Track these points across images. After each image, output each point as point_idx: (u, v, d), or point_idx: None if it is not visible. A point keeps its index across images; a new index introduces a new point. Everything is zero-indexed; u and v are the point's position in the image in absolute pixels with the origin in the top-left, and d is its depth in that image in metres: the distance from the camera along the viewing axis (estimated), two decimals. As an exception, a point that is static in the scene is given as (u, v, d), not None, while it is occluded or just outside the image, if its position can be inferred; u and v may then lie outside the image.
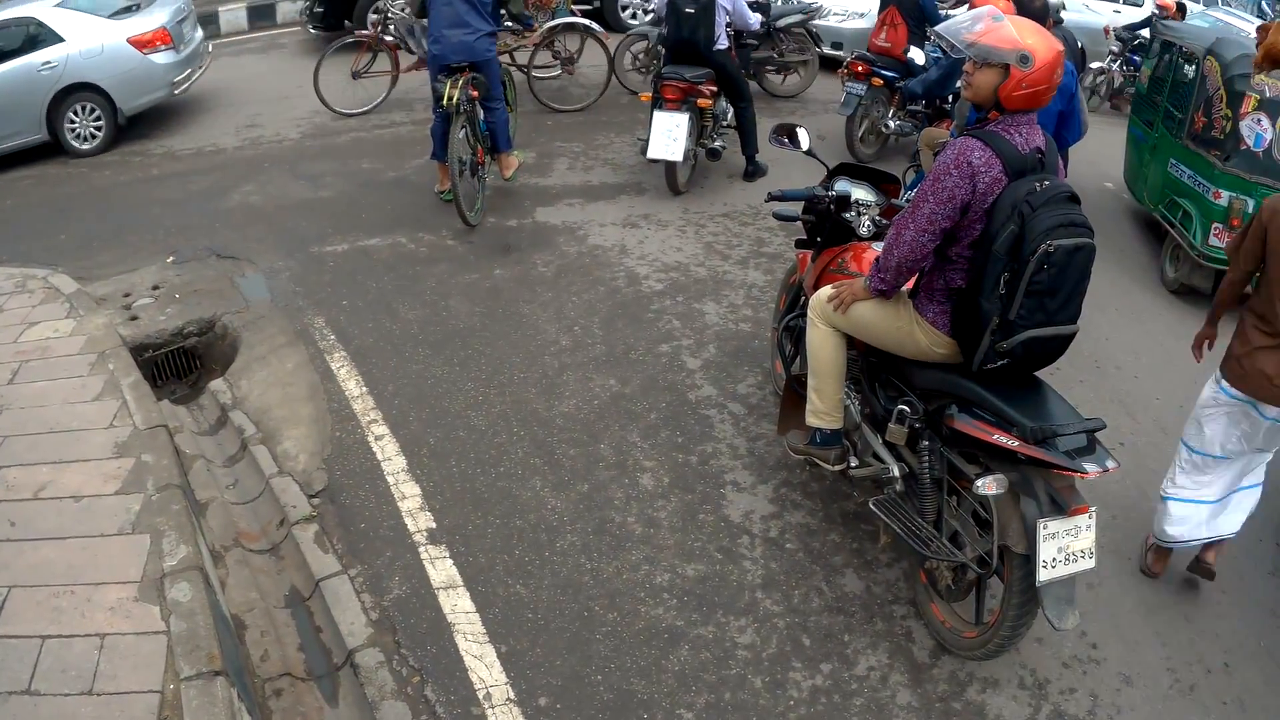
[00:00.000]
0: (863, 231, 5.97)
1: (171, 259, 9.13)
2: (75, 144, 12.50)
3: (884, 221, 5.94)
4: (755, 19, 11.33)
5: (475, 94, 9.44)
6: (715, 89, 10.50)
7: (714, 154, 10.85)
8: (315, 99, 12.90)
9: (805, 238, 6.34)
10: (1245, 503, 6.09)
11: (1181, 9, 18.91)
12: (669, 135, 10.09)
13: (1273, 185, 9.65)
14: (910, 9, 11.75)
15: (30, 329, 7.48)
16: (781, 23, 13.70)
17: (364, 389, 6.88)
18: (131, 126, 12.98)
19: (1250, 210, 9.52)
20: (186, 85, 13.45)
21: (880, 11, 12.30)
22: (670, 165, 10.35)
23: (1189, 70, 11.08)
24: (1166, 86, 11.52)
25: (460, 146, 9.32)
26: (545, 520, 5.76)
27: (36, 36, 12.37)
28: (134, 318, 8.01)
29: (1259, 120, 9.83)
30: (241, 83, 14.87)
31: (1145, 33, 16.90)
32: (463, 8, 9.32)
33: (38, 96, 12.23)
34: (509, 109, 10.50)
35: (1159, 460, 7.39)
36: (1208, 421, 5.86)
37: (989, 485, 4.66)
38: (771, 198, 6.20)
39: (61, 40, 12.42)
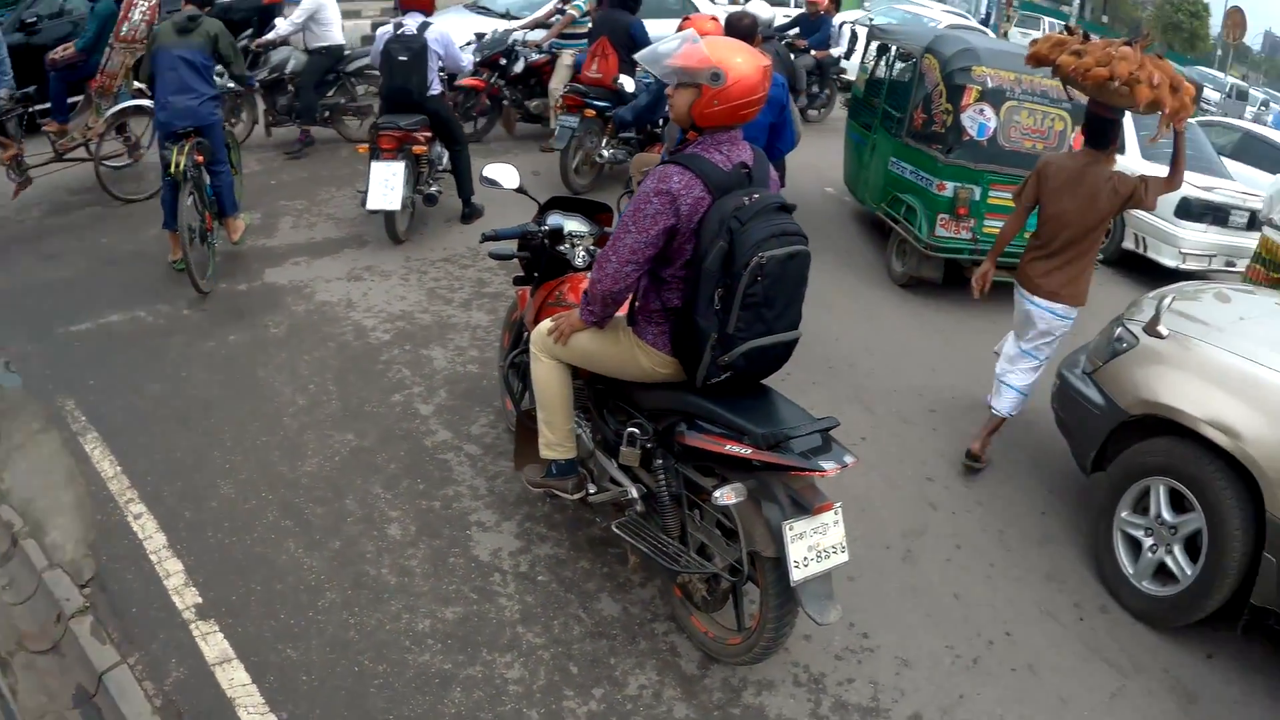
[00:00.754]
0: (578, 263, 6.32)
1: None
2: None
3: (598, 250, 6.29)
4: (467, 60, 11.74)
5: (201, 159, 9.66)
6: (430, 135, 10.90)
7: (431, 200, 11.31)
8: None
9: (523, 274, 6.65)
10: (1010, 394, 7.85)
11: (836, 2, 19.88)
12: (386, 185, 10.46)
13: (998, 171, 10.48)
14: (621, 38, 12.29)
15: None
16: (351, 66, 14.19)
17: (118, 469, 7.04)
18: None
19: (976, 198, 10.42)
20: None
21: (590, 43, 12.82)
22: (389, 215, 10.73)
23: (907, 69, 11.80)
24: (884, 88, 12.26)
25: (189, 214, 9.53)
26: (304, 581, 6.00)
27: None
28: None
29: (981, 110, 10.64)
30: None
31: (795, 32, 17.41)
32: (187, 73, 9.56)
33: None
34: (234, 171, 10.74)
35: (902, 450, 8.15)
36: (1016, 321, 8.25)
37: (727, 495, 4.84)
38: (486, 238, 6.43)
39: None
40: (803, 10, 18.79)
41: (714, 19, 10.00)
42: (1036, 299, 7.86)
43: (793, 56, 13.09)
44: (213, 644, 5.52)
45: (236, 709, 5.11)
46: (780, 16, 19.27)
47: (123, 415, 7.77)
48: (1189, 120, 8.28)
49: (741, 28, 8.92)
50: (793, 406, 5.17)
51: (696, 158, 4.80)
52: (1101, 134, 7.53)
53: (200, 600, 5.82)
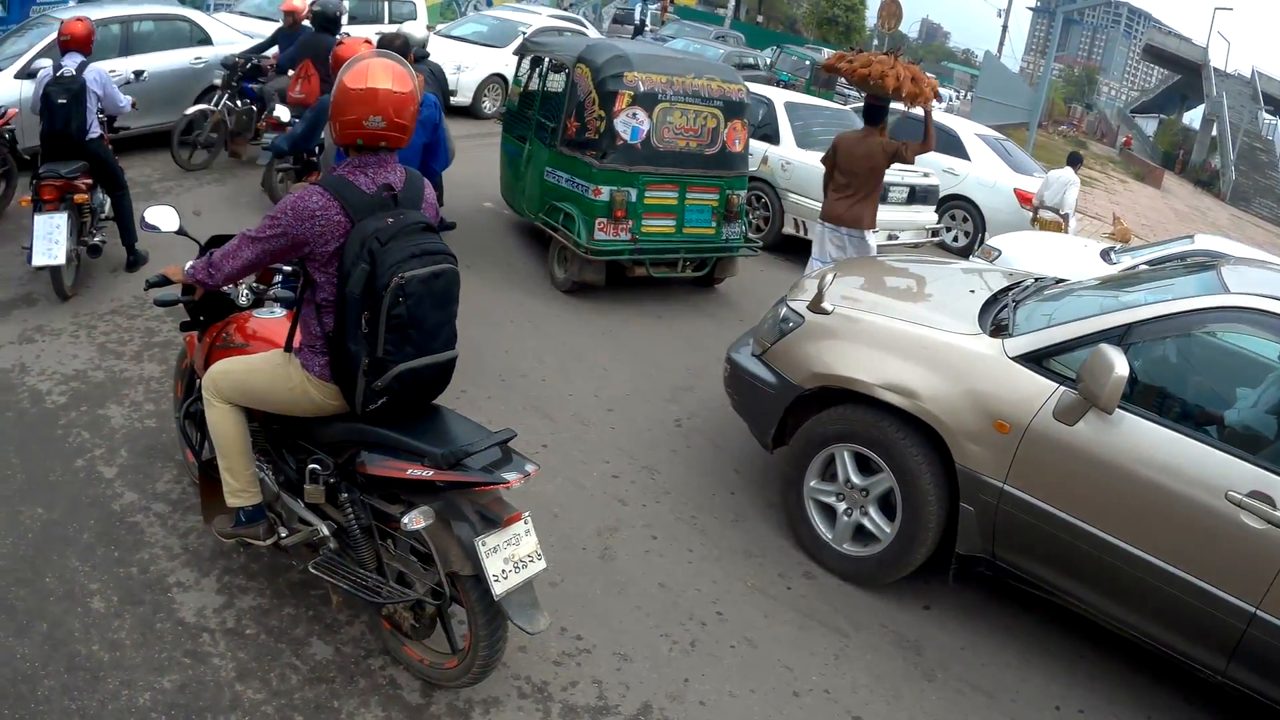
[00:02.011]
0: (242, 301, 6.31)
1: None
2: None
3: (261, 287, 6.33)
4: (126, 101, 11.42)
5: None
6: (90, 181, 10.61)
7: (95, 250, 10.96)
8: None
9: (189, 319, 6.53)
10: None
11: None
12: (50, 238, 10.09)
13: (653, 172, 10.88)
14: (323, 60, 12.28)
15: None
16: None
17: None
18: None
19: (633, 199, 11.00)
20: None
21: (294, 66, 13.17)
22: (55, 270, 10.35)
23: (559, 80, 12.04)
24: (537, 99, 12.52)
25: None
26: (20, 671, 5.76)
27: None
28: None
29: (634, 114, 11.02)
30: None
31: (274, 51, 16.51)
32: None
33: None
34: None
35: (586, 451, 8.42)
36: (816, 241, 11.78)
37: (415, 520, 4.90)
38: (150, 285, 6.16)
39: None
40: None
41: (367, 41, 10.05)
42: (840, 227, 11.47)
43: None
44: (-66, 754, 5.25)
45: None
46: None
47: None
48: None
49: (394, 48, 9.10)
50: (468, 423, 5.31)
51: (340, 180, 4.92)
52: (873, 115, 11.36)
53: (-95, 703, 5.54)
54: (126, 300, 10.59)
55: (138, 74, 14.30)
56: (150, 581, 6.56)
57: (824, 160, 11.77)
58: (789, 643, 6.62)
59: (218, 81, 15.46)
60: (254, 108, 15.45)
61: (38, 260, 10.18)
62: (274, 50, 15.37)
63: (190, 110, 15.06)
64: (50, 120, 10.56)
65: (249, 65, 15.30)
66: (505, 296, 11.50)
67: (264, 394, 5.48)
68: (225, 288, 6.10)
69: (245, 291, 6.37)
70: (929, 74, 11.06)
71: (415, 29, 12.69)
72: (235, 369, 5.60)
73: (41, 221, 10.19)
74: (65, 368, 9.26)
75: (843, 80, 14.39)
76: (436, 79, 11.83)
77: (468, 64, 23.94)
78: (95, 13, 15.74)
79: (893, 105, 11.50)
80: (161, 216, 6.55)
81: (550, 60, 12.79)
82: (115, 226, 11.41)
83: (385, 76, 4.85)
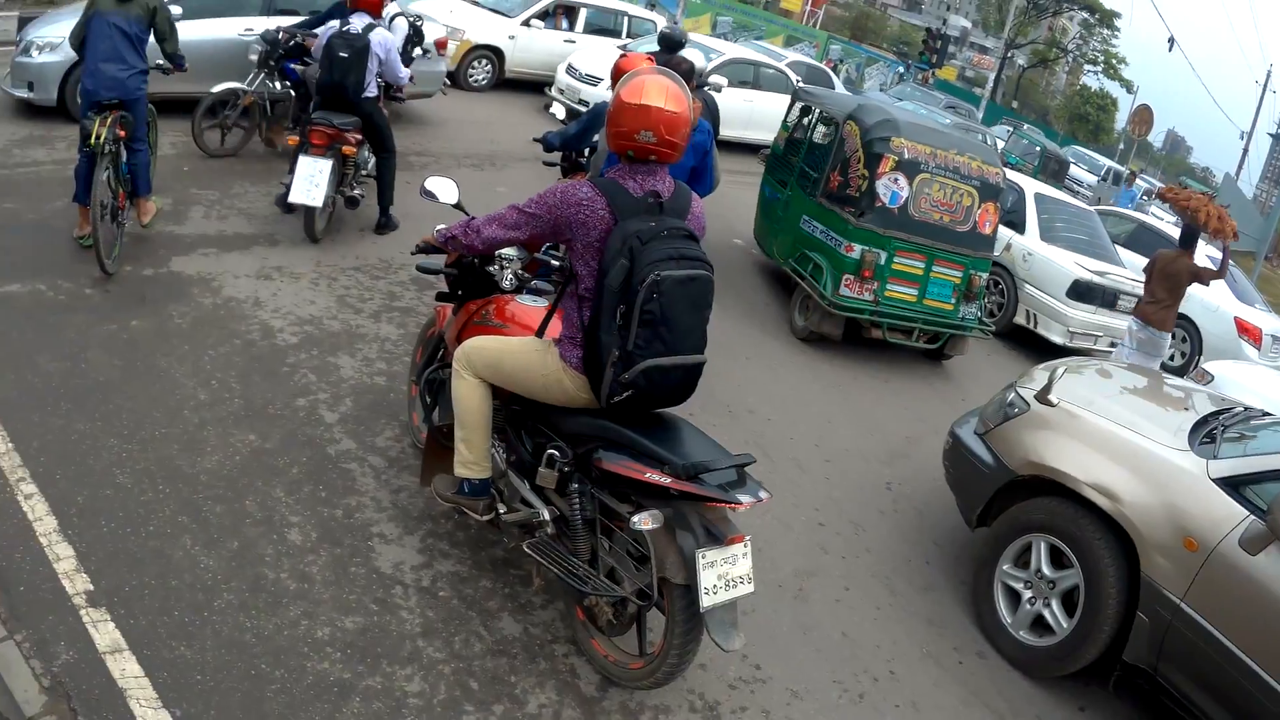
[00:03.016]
0: (505, 284, 6.36)
1: None
2: None
3: (526, 275, 6.38)
4: (405, 73, 11.59)
5: (123, 133, 9.43)
6: (360, 137, 10.79)
7: (353, 202, 11.24)
8: None
9: (447, 291, 6.60)
10: None
11: None
12: (311, 180, 10.35)
13: (905, 239, 10.82)
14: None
15: None
16: None
17: (9, 445, 6.79)
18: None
19: (882, 262, 10.79)
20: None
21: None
22: (309, 211, 10.55)
23: (827, 133, 12.05)
24: (803, 148, 12.52)
25: (103, 189, 9.26)
26: (200, 580, 5.83)
27: None
28: None
29: (896, 179, 11.02)
30: None
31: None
32: (121, 42, 9.35)
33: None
34: (151, 151, 10.45)
35: (798, 495, 8.42)
36: (1128, 332, 13.46)
37: (645, 521, 4.95)
38: (417, 249, 6.29)
39: None
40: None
41: (649, 56, 10.02)
42: (1148, 326, 12.98)
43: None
44: (104, 632, 5.33)
45: (128, 700, 4.94)
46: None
47: (16, 390, 7.49)
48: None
49: (680, 72, 9.02)
50: (708, 440, 5.34)
51: (610, 181, 5.17)
52: (1187, 240, 13.04)
53: (91, 588, 5.62)
54: (371, 260, 10.71)
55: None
56: (353, 527, 6.61)
57: (1145, 269, 13.45)
58: (949, 714, 6.56)
59: (254, 57, 13.53)
60: (293, 91, 13.53)
61: (295, 196, 10.42)
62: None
63: (218, 88, 13.10)
64: (329, 71, 10.78)
65: (292, 42, 13.22)
66: (744, 332, 11.46)
67: (516, 376, 5.63)
68: (491, 268, 6.33)
69: (510, 276, 6.40)
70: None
71: (697, 57, 12.66)
72: (491, 346, 5.75)
73: (306, 163, 10.42)
74: (301, 310, 9.40)
75: (1071, 173, 15.26)
76: (710, 109, 11.80)
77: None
78: None
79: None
80: (442, 187, 6.67)
81: (820, 112, 12.78)
82: (375, 187, 11.57)
83: (660, 95, 5.07)
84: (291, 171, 10.56)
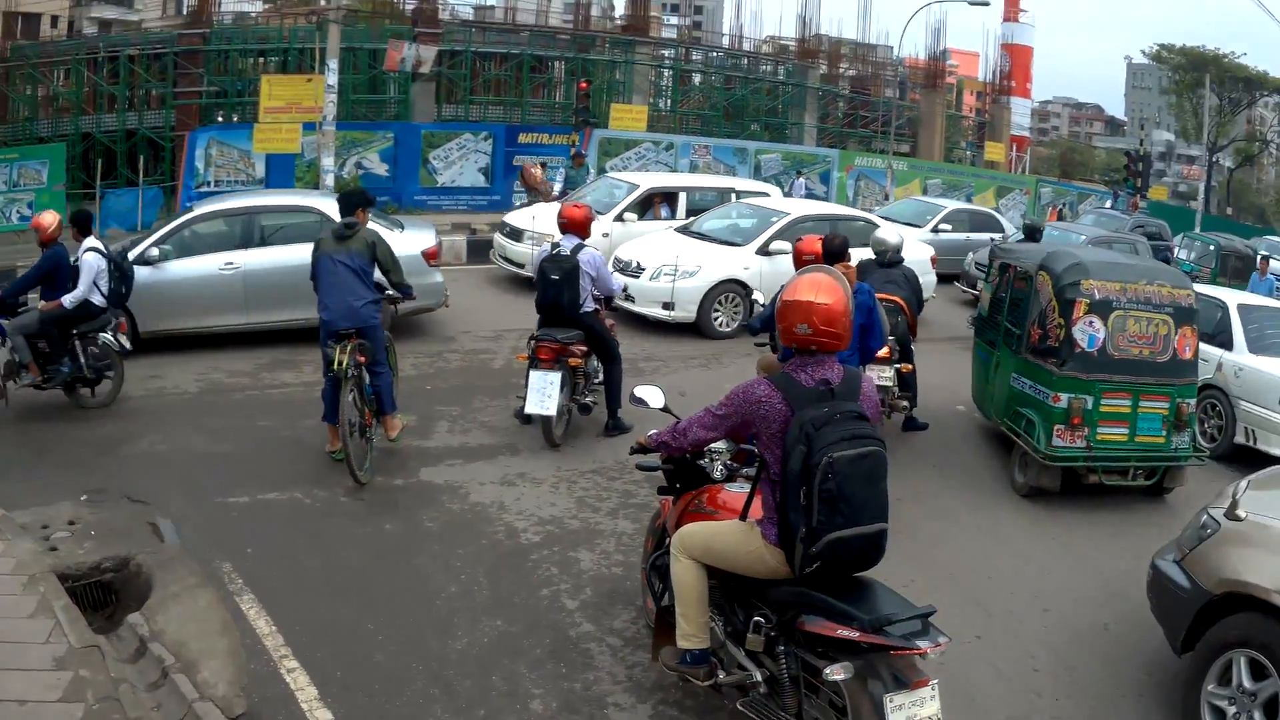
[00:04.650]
0: (716, 474, 6.77)
1: (85, 498, 9.52)
2: None
3: (735, 465, 6.75)
4: (619, 285, 12.14)
5: (362, 359, 10.12)
6: (585, 349, 11.35)
7: (585, 409, 11.78)
8: (216, 352, 14.15)
9: (666, 485, 7.03)
10: None
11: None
12: (543, 392, 10.89)
13: (1109, 380, 10.73)
14: None
15: None
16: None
17: (273, 627, 7.35)
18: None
19: (1089, 407, 10.84)
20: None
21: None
22: (546, 420, 11.10)
23: (1023, 287, 12.08)
24: (1005, 305, 12.51)
25: (349, 409, 9.98)
26: None
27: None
28: (53, 549, 8.29)
29: (1090, 322, 10.93)
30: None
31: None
32: (349, 277, 10.14)
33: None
34: (393, 373, 11.20)
35: (1014, 643, 8.39)
36: None
37: (836, 672, 5.23)
38: (634, 450, 6.87)
39: None
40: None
41: (820, 238, 10.91)
42: None
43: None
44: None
45: None
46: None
47: (279, 582, 8.11)
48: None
49: (834, 247, 10.54)
50: (895, 596, 5.67)
51: (785, 375, 5.66)
52: None
53: (350, 748, 5.88)
54: (608, 463, 11.06)
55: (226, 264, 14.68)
56: (591, 698, 6.87)
57: None
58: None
59: None
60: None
61: (530, 408, 10.97)
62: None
63: None
64: (544, 292, 11.45)
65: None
66: (964, 497, 11.35)
67: (725, 555, 6.03)
68: (701, 461, 6.78)
69: (719, 467, 6.83)
70: None
71: (889, 233, 12.96)
72: (703, 531, 6.23)
73: (536, 377, 10.98)
74: (543, 512, 9.80)
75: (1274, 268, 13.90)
76: (909, 281, 12.39)
77: (691, 265, 17.53)
78: (229, 203, 16.83)
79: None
80: (650, 394, 7.32)
81: (1016, 267, 12.80)
82: (604, 392, 12.03)
83: (813, 290, 5.57)
84: (526, 385, 11.10)
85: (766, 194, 22.40)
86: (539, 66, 40.38)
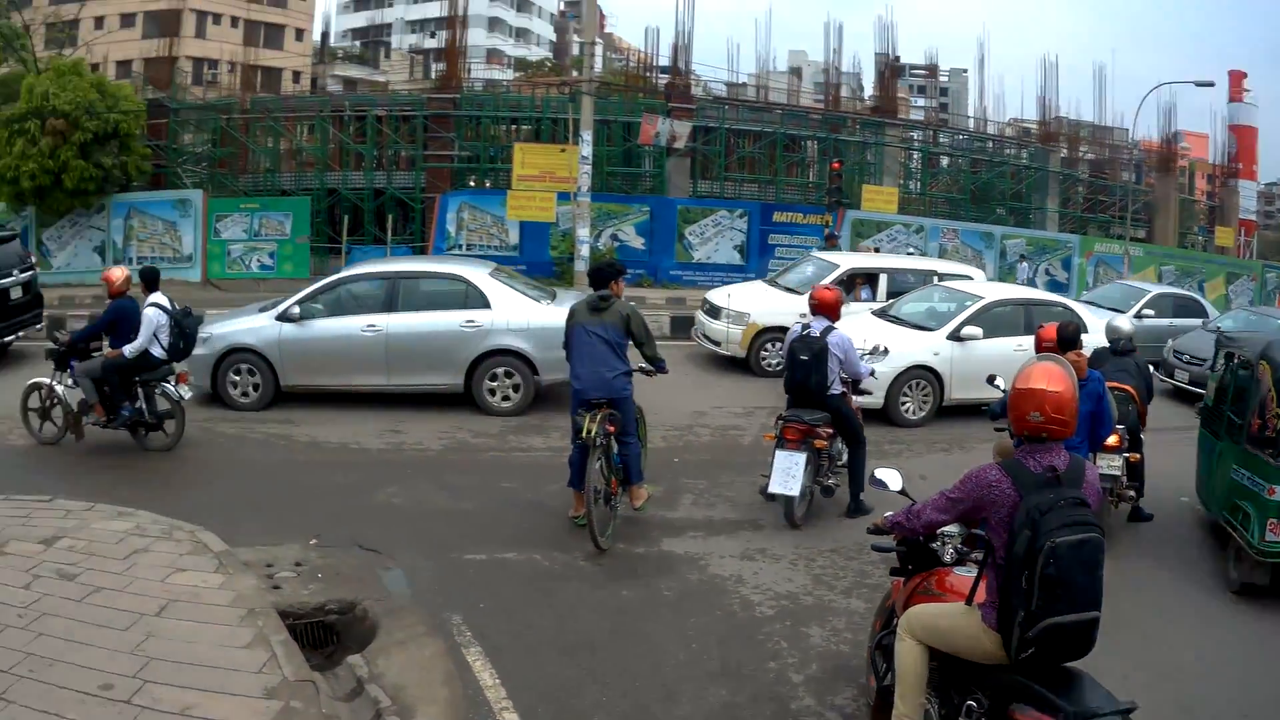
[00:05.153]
0: (946, 558, 6.70)
1: (314, 541, 9.99)
2: (492, 402, 15.25)
3: (965, 549, 6.66)
4: (866, 369, 12.02)
5: (612, 429, 10.27)
6: (831, 431, 11.25)
7: (828, 491, 11.59)
8: (461, 412, 14.76)
9: (898, 566, 7.00)
10: None
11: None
12: (788, 473, 10.82)
13: None
14: None
15: (178, 574, 8.34)
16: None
17: (497, 681, 7.48)
18: (273, 414, 14.96)
19: None
20: None
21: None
22: (788, 500, 10.99)
23: (1244, 376, 11.58)
24: (1229, 394, 11.99)
25: (596, 477, 10.11)
26: None
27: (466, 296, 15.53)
28: (276, 587, 8.78)
29: None
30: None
31: None
32: (602, 348, 10.31)
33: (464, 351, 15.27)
34: (641, 444, 11.25)
35: None
36: None
37: None
38: (871, 531, 6.97)
39: (488, 307, 15.46)
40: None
41: (1056, 325, 11.00)
42: None
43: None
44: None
45: None
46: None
47: (509, 638, 8.25)
48: None
49: (1067, 335, 10.71)
50: (1100, 689, 5.63)
51: (1015, 462, 5.77)
52: None
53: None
54: (846, 543, 10.88)
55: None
56: (805, 771, 6.70)
57: None
58: None
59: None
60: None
61: (774, 488, 10.89)
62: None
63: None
64: (793, 373, 11.42)
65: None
66: (1182, 591, 10.70)
67: (948, 637, 6.09)
68: (934, 544, 6.73)
69: (950, 550, 6.75)
70: None
71: (1123, 321, 12.56)
72: (929, 612, 6.28)
73: (782, 457, 10.92)
74: (779, 587, 9.72)
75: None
76: (1141, 371, 12.16)
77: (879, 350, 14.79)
78: (377, 267, 17.81)
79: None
80: (890, 477, 7.34)
81: (1239, 356, 12.26)
82: (848, 474, 11.87)
83: (1043, 378, 5.70)
84: (771, 465, 11.06)
85: (969, 277, 21.49)
86: (791, 145, 40.49)
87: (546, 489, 11.69)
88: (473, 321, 15.41)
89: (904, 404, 16.83)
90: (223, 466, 12.98)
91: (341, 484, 12.09)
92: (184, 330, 13.53)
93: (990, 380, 11.80)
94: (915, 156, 46.11)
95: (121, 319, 13.21)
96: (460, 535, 10.45)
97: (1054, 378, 5.66)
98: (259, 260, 30.50)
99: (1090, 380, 10.11)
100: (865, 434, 11.95)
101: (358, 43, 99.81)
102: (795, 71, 68.91)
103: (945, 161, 47.62)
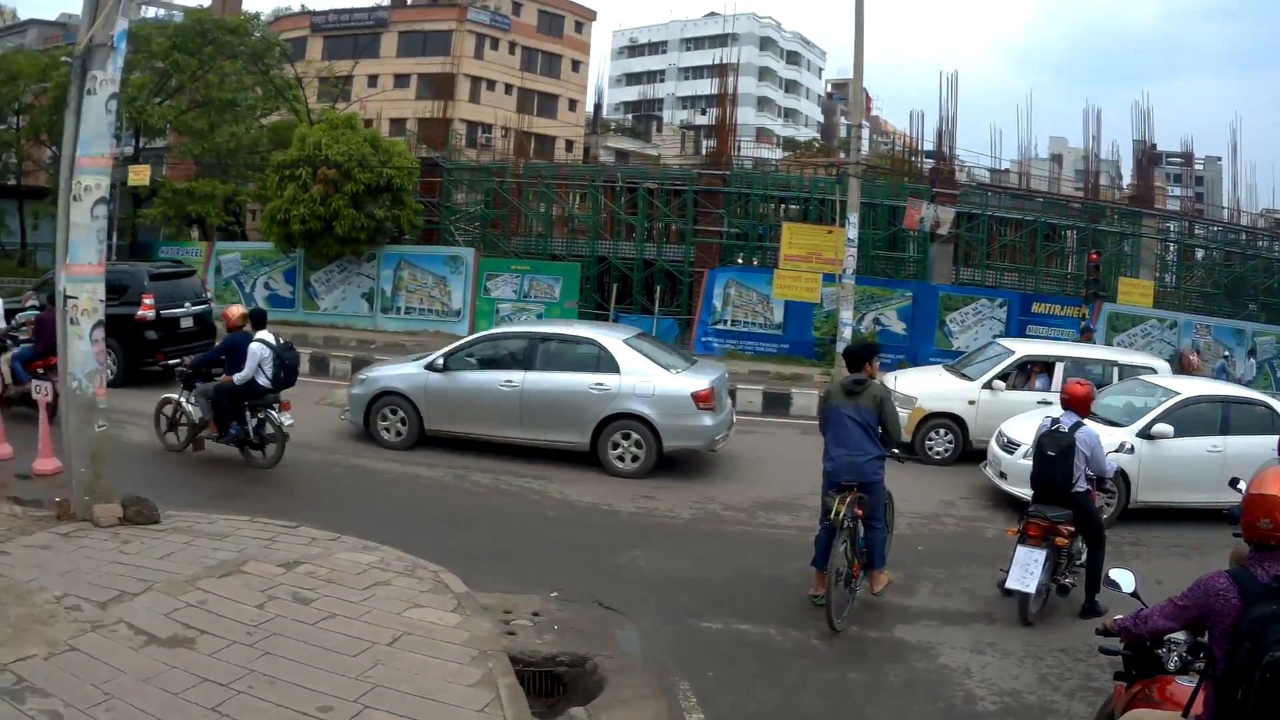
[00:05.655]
0: (1170, 666, 6.56)
1: (555, 594, 10.38)
2: (616, 463, 15.94)
3: (1189, 658, 6.52)
4: (1112, 467, 11.84)
5: (860, 512, 10.42)
6: (1073, 529, 11.16)
7: (1064, 590, 11.43)
8: (708, 485, 15.27)
9: (1123, 671, 6.93)
10: None
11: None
12: (1026, 570, 10.78)
13: None
14: None
15: (415, 609, 8.83)
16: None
17: None
18: (528, 469, 15.78)
19: None
20: (721, 444, 16.73)
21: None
22: (1024, 596, 10.91)
23: None
24: None
25: (840, 559, 10.25)
26: None
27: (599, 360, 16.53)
28: (511, 633, 9.14)
29: None
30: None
31: None
32: (856, 431, 10.49)
33: (592, 411, 16.14)
34: (888, 529, 11.37)
35: None
36: None
37: None
38: (1100, 632, 6.90)
39: (618, 371, 16.24)
40: None
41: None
42: None
43: None
44: None
45: None
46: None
47: (732, 709, 8.48)
48: None
49: None
50: None
51: (1243, 570, 5.61)
52: None
53: None
54: (1077, 644, 10.69)
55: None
56: None
57: None
58: None
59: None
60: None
61: (1011, 584, 10.86)
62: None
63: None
64: (1040, 469, 11.35)
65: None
66: None
67: None
68: (1160, 651, 6.58)
69: (1175, 658, 6.61)
70: None
71: None
72: (1146, 719, 6.18)
73: (1022, 553, 10.89)
74: (1004, 684, 9.68)
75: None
76: None
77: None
78: (518, 328, 20.97)
79: None
80: (1123, 578, 7.35)
81: None
82: (1085, 574, 11.67)
83: (1276, 484, 5.56)
84: (1011, 560, 11.04)
85: (1153, 369, 19.64)
86: (1051, 234, 39.80)
87: (789, 565, 11.88)
88: (601, 384, 16.28)
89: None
90: (469, 511, 13.74)
91: (587, 542, 12.58)
92: (284, 363, 15.58)
93: (1233, 484, 11.52)
94: (1171, 248, 44.93)
95: (235, 350, 15.48)
96: (699, 602, 10.73)
97: None
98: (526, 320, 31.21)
99: None
100: (1105, 533, 11.81)
101: (630, 115, 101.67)
102: (1055, 158, 67.54)
103: (1200, 254, 46.29)
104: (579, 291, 32.15)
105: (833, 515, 10.18)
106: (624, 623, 9.99)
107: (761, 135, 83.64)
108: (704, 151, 56.08)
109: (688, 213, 35.23)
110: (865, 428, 10.56)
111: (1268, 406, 16.47)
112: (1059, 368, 19.54)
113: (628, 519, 13.82)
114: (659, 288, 33.16)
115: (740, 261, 35.37)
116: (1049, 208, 40.92)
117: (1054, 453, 11.14)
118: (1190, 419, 15.89)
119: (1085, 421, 11.45)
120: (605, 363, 16.52)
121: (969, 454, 18.64)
